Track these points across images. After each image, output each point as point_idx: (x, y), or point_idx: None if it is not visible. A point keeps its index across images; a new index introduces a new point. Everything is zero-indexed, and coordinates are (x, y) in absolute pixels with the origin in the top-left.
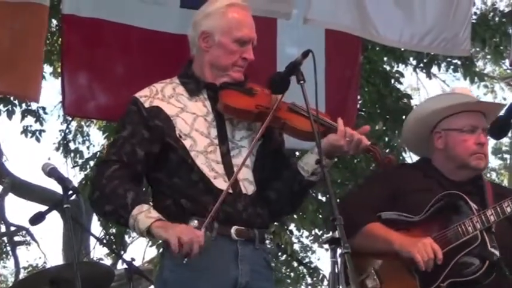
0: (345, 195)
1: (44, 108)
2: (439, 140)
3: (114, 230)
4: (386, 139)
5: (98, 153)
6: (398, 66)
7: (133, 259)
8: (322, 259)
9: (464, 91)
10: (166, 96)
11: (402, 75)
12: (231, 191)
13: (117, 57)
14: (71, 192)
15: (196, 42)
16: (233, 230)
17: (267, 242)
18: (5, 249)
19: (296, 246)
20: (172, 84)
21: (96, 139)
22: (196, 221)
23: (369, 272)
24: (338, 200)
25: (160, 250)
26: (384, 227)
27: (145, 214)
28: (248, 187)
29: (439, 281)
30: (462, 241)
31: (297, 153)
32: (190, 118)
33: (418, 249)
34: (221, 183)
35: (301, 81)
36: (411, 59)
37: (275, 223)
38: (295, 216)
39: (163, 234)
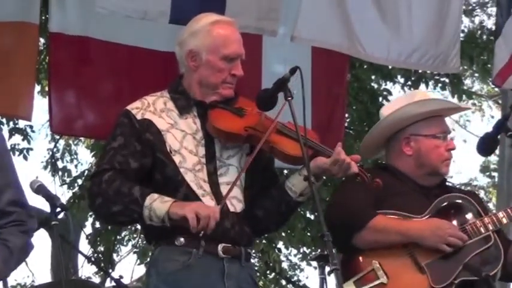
0: (332, 201)
1: (31, 127)
2: (407, 147)
3: (102, 248)
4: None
5: (86, 171)
6: (386, 84)
7: (121, 277)
8: (311, 277)
9: (425, 95)
10: (158, 109)
11: (390, 93)
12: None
13: (105, 76)
14: (58, 209)
15: (184, 61)
16: (220, 247)
17: (255, 260)
18: None
19: (284, 265)
20: (163, 98)
21: (84, 157)
22: (182, 239)
23: (372, 267)
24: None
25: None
26: (392, 219)
27: (159, 201)
28: (236, 205)
29: (452, 279)
30: (474, 241)
31: (285, 171)
32: (180, 135)
33: (440, 239)
34: (209, 202)
35: (289, 98)
36: (399, 76)
37: (263, 241)
38: (283, 234)
39: (180, 211)
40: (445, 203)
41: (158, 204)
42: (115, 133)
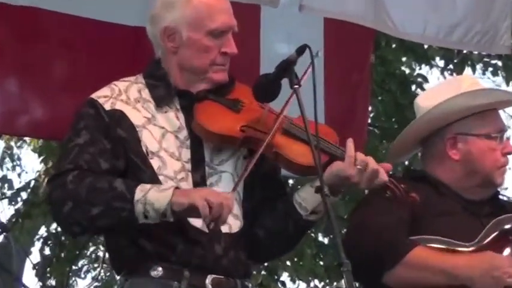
0: (354, 223)
1: None
2: (453, 149)
3: (53, 282)
4: (406, 162)
5: (33, 181)
6: (420, 69)
7: None
8: None
9: (475, 82)
10: (131, 99)
11: (426, 79)
12: (206, 229)
13: (57, 58)
14: None
15: (159, 41)
16: (209, 279)
17: None
18: None
19: None
20: (138, 85)
21: (30, 164)
22: (160, 268)
23: None
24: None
25: None
26: (434, 252)
27: (155, 190)
28: (232, 223)
29: None
30: None
31: (290, 181)
32: (158, 133)
33: (496, 281)
34: (195, 221)
35: (296, 86)
36: (437, 58)
37: (263, 272)
38: (288, 263)
39: (186, 200)
40: (499, 230)
41: (155, 194)
42: (77, 127)
